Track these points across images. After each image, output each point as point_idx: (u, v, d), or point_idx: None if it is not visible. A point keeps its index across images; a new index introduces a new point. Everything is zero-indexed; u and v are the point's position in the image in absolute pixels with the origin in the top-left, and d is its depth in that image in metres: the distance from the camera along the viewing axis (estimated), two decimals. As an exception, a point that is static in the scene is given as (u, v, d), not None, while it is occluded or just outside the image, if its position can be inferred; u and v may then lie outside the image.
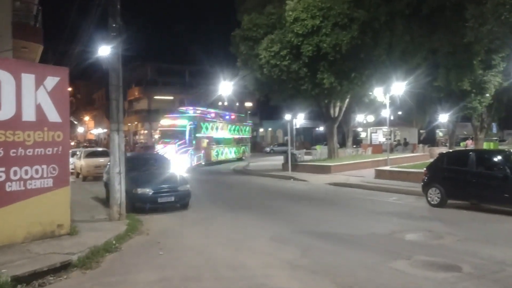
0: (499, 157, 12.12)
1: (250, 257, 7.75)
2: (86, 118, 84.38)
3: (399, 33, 22.34)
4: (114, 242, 8.60)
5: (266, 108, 55.10)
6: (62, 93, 8.84)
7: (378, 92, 28.61)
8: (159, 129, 32.95)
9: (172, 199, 12.32)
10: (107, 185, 13.01)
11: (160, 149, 28.99)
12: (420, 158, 31.18)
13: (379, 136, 45.96)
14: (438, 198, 12.82)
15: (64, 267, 7.10)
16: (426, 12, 21.68)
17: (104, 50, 11.70)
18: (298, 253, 7.94)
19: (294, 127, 34.27)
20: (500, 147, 35.66)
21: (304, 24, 21.90)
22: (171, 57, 62.34)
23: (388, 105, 26.45)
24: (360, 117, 45.48)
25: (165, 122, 32.40)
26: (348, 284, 6.20)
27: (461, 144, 46.34)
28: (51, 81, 8.64)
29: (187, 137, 30.23)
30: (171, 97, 56.19)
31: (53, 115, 8.64)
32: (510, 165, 11.63)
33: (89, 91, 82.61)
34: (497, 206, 11.82)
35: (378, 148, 38.34)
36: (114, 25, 10.92)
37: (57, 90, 8.69)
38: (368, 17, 21.68)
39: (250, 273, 6.85)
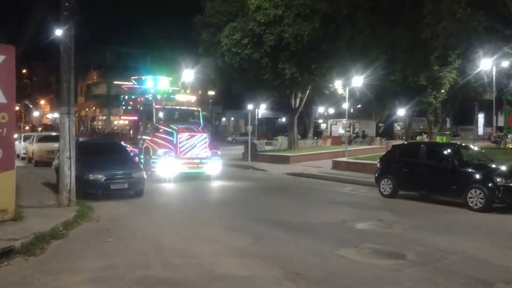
0: (449, 150, 12.54)
1: (200, 245, 7.70)
2: (42, 102, 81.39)
3: (360, 27, 22.70)
4: (61, 228, 8.32)
5: (229, 97, 54.85)
6: (8, 73, 8.43)
7: (338, 85, 29.01)
8: (156, 106, 17.89)
9: (126, 186, 12.07)
10: (58, 171, 12.59)
11: (183, 140, 16.39)
12: (377, 151, 31.86)
13: (339, 128, 46.73)
14: (390, 189, 13.16)
15: (5, 254, 6.80)
16: (387, 7, 22.13)
17: (59, 31, 11.26)
18: (250, 241, 7.95)
19: (256, 117, 34.30)
20: (453, 142, 36.97)
21: (267, 13, 21.90)
22: (132, 41, 60.81)
23: (347, 98, 26.87)
24: (321, 109, 46.08)
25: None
26: (295, 271, 6.26)
27: (418, 138, 47.77)
28: (-5, 60, 8.22)
29: (201, 122, 18.60)
30: (131, 83, 54.93)
31: (-3, 95, 8.23)
32: (458, 157, 12.07)
33: (46, 73, 79.50)
34: (445, 197, 12.25)
35: (337, 140, 39.00)
36: (66, 4, 10.51)
37: (2, 69, 8.28)
38: (330, 9, 21.87)
39: (199, 260, 6.80)
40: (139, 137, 18.42)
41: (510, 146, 26.58)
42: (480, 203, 11.01)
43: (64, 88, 10.33)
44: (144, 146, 17.46)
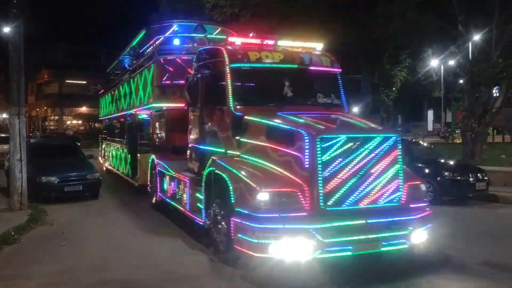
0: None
1: (160, 245, 7.64)
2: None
3: (315, 26, 23.06)
4: (13, 233, 8.07)
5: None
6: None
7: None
8: (234, 66, 7.09)
9: (80, 188, 11.76)
10: (8, 173, 12.14)
11: (333, 156, 5.72)
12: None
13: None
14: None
15: (-48, 262, 6.55)
16: (340, 8, 22.63)
17: (7, 29, 10.84)
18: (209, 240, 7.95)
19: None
20: (404, 138, 38.29)
21: (223, 11, 21.90)
22: (85, 39, 58.96)
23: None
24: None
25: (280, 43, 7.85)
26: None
27: (371, 134, 49.09)
28: None
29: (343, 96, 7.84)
30: (85, 82, 53.41)
31: None
32: (409, 153, 12.53)
33: (-8, 72, 75.93)
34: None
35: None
36: (15, 1, 10.18)
37: None
38: (286, 9, 22.13)
39: (159, 261, 6.77)
40: (191, 146, 8.43)
41: (457, 141, 27.89)
42: (430, 197, 11.49)
43: (14, 89, 9.98)
44: (209, 173, 6.98)
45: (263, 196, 5.64)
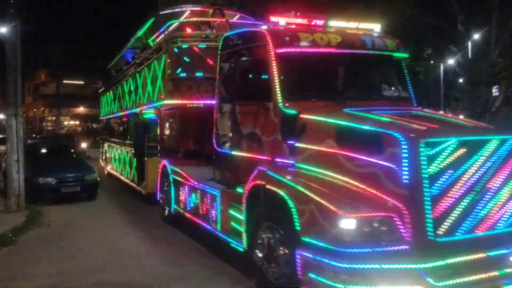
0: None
1: (157, 246, 7.57)
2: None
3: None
4: (10, 234, 8.03)
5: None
6: None
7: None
8: (281, 51, 5.58)
9: (78, 189, 11.69)
10: (5, 174, 12.05)
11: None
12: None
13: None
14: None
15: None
16: (339, 7, 22.60)
17: (4, 29, 10.76)
18: (206, 242, 7.87)
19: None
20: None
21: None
22: (83, 39, 58.67)
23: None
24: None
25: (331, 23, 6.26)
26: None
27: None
28: None
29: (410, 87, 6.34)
30: (82, 82, 53.31)
31: None
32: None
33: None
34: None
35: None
36: (12, 1, 10.13)
37: None
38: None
39: (156, 262, 6.70)
40: (219, 150, 6.85)
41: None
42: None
43: (11, 89, 9.93)
44: (255, 187, 5.42)
45: (348, 223, 4.06)
